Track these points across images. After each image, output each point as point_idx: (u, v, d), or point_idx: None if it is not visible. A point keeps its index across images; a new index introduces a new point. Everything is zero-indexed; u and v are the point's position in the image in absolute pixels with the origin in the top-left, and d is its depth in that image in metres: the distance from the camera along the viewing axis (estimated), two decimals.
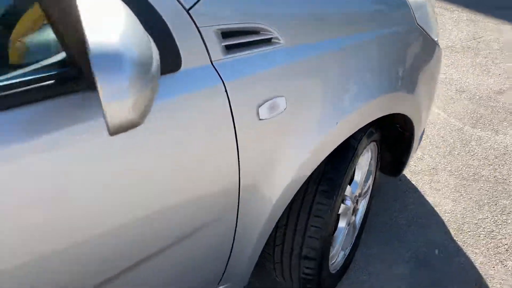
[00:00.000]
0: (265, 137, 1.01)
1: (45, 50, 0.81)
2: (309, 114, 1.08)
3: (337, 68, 1.11)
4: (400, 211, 1.93)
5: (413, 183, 2.08)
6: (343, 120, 1.14)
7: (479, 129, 2.43)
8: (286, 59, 1.00)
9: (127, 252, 0.89)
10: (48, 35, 0.83)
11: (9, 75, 0.72)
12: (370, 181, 1.63)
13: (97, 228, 0.81)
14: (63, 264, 0.79)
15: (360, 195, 1.54)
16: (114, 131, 0.51)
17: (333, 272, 1.50)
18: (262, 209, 1.11)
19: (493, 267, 1.67)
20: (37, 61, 0.77)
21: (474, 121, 2.50)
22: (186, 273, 1.09)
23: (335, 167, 1.24)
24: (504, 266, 1.67)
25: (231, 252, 1.15)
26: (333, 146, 1.17)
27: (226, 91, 0.89)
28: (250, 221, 1.11)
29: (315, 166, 1.15)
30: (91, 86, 0.73)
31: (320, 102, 1.09)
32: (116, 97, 0.48)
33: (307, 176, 1.15)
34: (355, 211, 1.54)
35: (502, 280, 1.62)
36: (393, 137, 1.63)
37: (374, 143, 1.51)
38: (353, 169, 1.32)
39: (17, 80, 0.70)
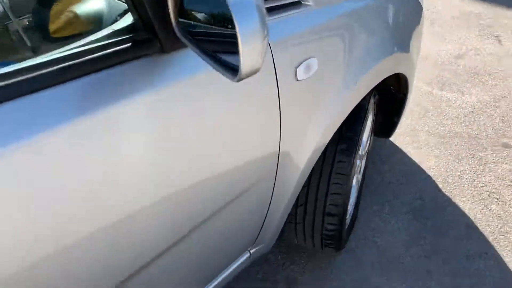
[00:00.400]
0: (302, 99, 1.05)
1: (100, 17, 0.81)
2: (335, 75, 1.13)
3: (357, 28, 1.17)
4: (390, 171, 2.05)
5: (397, 145, 2.22)
6: (361, 79, 1.21)
7: (447, 91, 2.61)
8: (315, 21, 1.04)
9: (179, 221, 0.91)
10: (99, 3, 0.82)
11: (75, 45, 0.71)
12: (368, 142, 1.72)
13: (156, 196, 0.81)
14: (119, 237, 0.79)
15: (364, 155, 1.63)
16: (243, 77, 0.54)
17: (346, 227, 1.58)
18: (294, 171, 1.16)
19: (480, 211, 1.83)
20: (97, 29, 0.77)
21: (441, 85, 2.67)
22: (227, 239, 1.13)
23: (351, 127, 1.31)
24: (489, 210, 1.84)
25: (266, 214, 1.20)
26: (352, 106, 1.24)
27: (271, 52, 0.93)
28: (284, 184, 1.16)
29: (338, 126, 1.21)
30: (164, 49, 0.74)
31: (343, 63, 1.15)
32: (251, 42, 0.50)
33: (331, 136, 1.21)
34: (360, 169, 1.63)
35: (489, 222, 1.79)
36: (387, 100, 1.73)
37: (374, 105, 1.60)
38: (364, 129, 1.39)
39: (85, 48, 0.70)
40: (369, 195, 1.92)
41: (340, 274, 1.60)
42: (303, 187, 1.34)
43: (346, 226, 1.61)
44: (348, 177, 1.32)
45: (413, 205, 1.87)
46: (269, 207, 1.18)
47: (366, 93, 1.28)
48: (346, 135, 1.30)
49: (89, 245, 0.71)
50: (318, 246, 1.48)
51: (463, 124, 2.33)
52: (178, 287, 1.06)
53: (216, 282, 1.20)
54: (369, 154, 1.81)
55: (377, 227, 1.78)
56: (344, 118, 1.22)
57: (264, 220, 1.21)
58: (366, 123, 1.38)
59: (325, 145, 1.20)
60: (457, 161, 2.10)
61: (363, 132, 1.35)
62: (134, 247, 0.84)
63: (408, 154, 2.16)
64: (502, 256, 1.64)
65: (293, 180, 1.17)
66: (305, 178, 1.22)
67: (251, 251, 1.28)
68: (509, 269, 1.59)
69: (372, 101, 1.42)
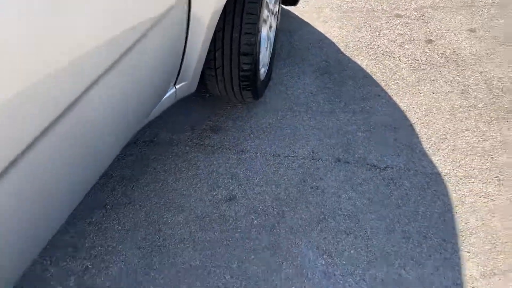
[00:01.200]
0: None
1: None
2: None
3: None
4: (299, 40, 2.27)
5: (305, 20, 2.42)
6: None
7: None
8: None
9: (108, 46, 0.98)
10: None
11: None
12: (278, 5, 1.89)
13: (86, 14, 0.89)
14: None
15: (273, 13, 1.80)
16: None
17: (262, 79, 1.79)
18: (207, 7, 1.30)
19: (375, 66, 2.12)
20: None
21: None
22: (153, 68, 1.25)
23: None
24: (382, 64, 2.13)
25: (184, 51, 1.34)
26: None
27: None
28: (198, 20, 1.29)
29: None
30: None
31: None
32: None
33: None
34: (271, 26, 1.81)
35: (382, 73, 2.09)
36: None
37: None
38: None
39: None
40: (281, 60, 2.13)
41: (258, 119, 1.83)
42: (218, 31, 1.49)
43: (262, 78, 1.81)
44: (258, 17, 1.48)
45: (319, 65, 2.12)
46: (185, 46, 1.32)
47: None
48: None
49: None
50: (237, 91, 1.67)
51: (362, 1, 2.58)
52: (115, 116, 1.15)
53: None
54: (279, 26, 1.99)
55: (289, 83, 2.01)
56: None
57: (183, 59, 1.35)
58: None
59: None
60: (356, 30, 2.36)
61: None
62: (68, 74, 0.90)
63: (315, 27, 2.37)
64: (391, 95, 1.96)
65: (205, 20, 1.31)
66: (217, 18, 1.36)
67: (177, 87, 1.44)
68: (396, 105, 1.91)
69: None
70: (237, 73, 1.58)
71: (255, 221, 1.46)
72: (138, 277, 1.30)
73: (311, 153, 1.69)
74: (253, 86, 1.67)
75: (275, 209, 1.50)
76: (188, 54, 1.37)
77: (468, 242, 1.41)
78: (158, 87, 1.34)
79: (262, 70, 1.82)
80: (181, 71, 1.40)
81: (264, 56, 1.80)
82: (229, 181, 1.58)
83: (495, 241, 1.41)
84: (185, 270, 1.32)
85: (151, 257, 1.35)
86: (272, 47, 1.95)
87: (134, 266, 1.33)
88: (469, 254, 1.38)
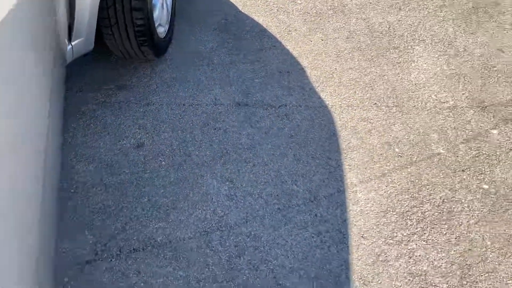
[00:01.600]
0: None
1: None
2: None
3: None
4: (200, 2, 2.39)
5: None
6: None
7: None
8: None
9: None
10: None
11: None
12: None
13: None
14: None
15: None
16: None
17: (162, 37, 1.89)
18: None
19: (271, 21, 2.30)
20: None
21: None
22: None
23: None
24: (278, 19, 2.31)
25: (73, 7, 1.41)
26: None
27: None
28: None
29: None
30: None
31: None
32: None
33: None
34: None
35: (277, 27, 2.26)
36: None
37: None
38: None
39: None
40: (183, 21, 2.25)
41: (163, 75, 1.94)
42: None
43: (162, 37, 1.92)
44: None
45: (219, 23, 2.26)
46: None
47: None
48: None
49: None
50: (136, 48, 1.77)
51: None
52: None
53: None
54: None
55: (191, 41, 2.13)
56: None
57: (74, 15, 1.43)
58: None
59: None
60: None
61: None
62: None
63: None
64: (285, 45, 2.15)
65: None
66: None
67: (73, 44, 1.51)
68: (289, 53, 2.10)
69: None
70: (132, 29, 1.68)
71: (163, 162, 1.59)
72: None
73: (213, 100, 1.84)
74: (151, 42, 1.77)
75: (181, 150, 1.63)
76: (79, 11, 1.45)
77: (349, 157, 1.64)
78: (51, 43, 1.41)
79: (162, 29, 1.93)
80: (73, 27, 1.47)
81: (161, 14, 1.90)
82: (137, 131, 1.69)
83: (372, 154, 1.65)
84: (98, 209, 1.43)
85: (65, 202, 1.44)
86: (171, 8, 2.05)
87: None
88: (350, 167, 1.61)
